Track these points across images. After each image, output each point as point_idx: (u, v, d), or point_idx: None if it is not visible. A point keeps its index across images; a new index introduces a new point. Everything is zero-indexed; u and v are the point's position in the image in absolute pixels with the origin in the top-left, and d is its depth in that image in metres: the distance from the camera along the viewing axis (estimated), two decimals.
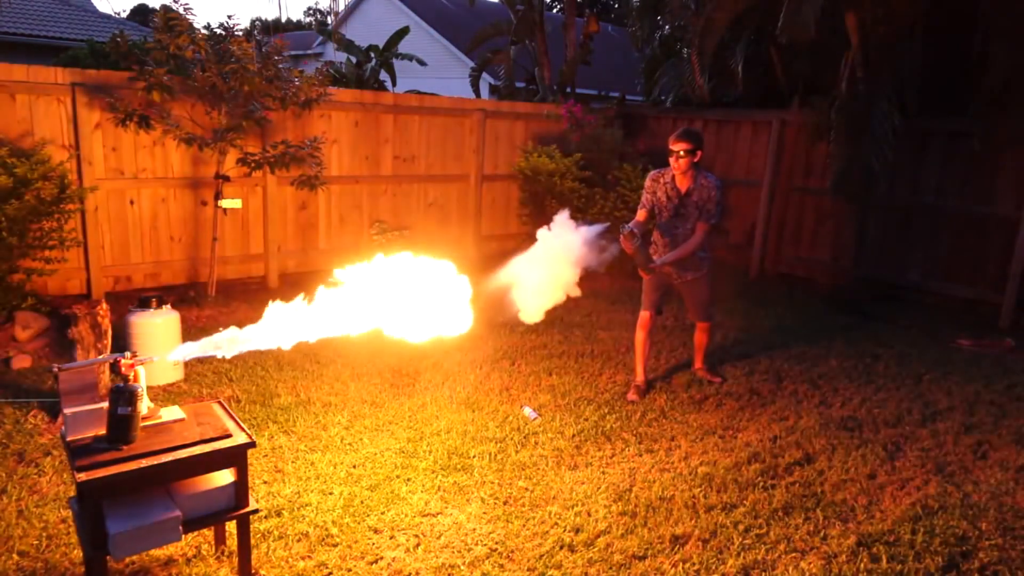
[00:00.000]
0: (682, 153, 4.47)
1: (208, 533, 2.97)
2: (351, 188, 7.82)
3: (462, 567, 2.93)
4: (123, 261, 6.54)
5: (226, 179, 6.29)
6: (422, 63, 14.26)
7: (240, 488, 2.62)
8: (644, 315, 4.89)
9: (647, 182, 4.74)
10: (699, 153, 4.51)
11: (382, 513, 3.29)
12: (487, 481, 3.64)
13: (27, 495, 3.27)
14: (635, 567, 2.99)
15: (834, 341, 6.30)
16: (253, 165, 6.19)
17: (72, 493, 3.11)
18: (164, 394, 4.45)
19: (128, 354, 2.53)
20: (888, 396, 5.05)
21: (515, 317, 4.04)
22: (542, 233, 4.01)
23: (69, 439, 2.46)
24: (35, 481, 3.40)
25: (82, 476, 2.28)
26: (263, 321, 2.58)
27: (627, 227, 4.28)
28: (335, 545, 3.04)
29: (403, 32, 13.03)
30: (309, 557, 2.95)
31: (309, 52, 20.63)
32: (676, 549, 3.12)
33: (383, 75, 12.63)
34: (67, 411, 2.50)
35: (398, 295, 2.59)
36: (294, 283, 7.17)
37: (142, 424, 2.52)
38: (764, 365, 5.59)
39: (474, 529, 3.21)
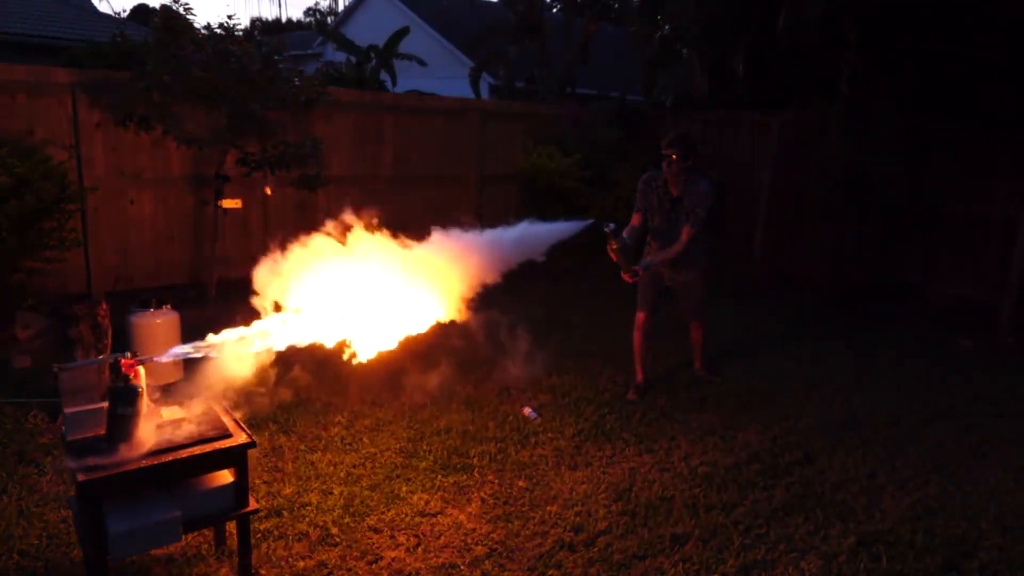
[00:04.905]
0: (673, 158, 4.41)
1: (208, 533, 2.98)
2: (351, 188, 7.81)
3: (462, 567, 2.93)
4: (123, 261, 6.54)
5: (226, 179, 6.28)
6: (422, 63, 14.26)
7: (240, 488, 2.62)
8: (640, 316, 4.89)
9: (640, 185, 4.68)
10: (691, 157, 4.44)
11: (382, 513, 3.29)
12: (487, 481, 3.64)
13: (27, 495, 3.27)
14: (635, 567, 2.99)
15: (834, 341, 6.30)
16: (253, 165, 6.19)
17: (72, 493, 3.11)
18: (164, 394, 4.44)
19: (128, 354, 2.53)
20: (888, 396, 5.04)
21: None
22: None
23: (69, 439, 2.46)
24: (35, 481, 3.40)
25: (82, 476, 2.28)
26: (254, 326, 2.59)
27: (608, 228, 4.05)
28: (335, 545, 3.04)
29: (403, 32, 13.06)
30: (309, 557, 2.95)
31: (309, 52, 20.60)
32: (676, 549, 3.12)
33: (383, 75, 12.64)
34: (67, 411, 2.50)
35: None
36: None
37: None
38: (764, 365, 5.58)
39: (474, 529, 3.21)
